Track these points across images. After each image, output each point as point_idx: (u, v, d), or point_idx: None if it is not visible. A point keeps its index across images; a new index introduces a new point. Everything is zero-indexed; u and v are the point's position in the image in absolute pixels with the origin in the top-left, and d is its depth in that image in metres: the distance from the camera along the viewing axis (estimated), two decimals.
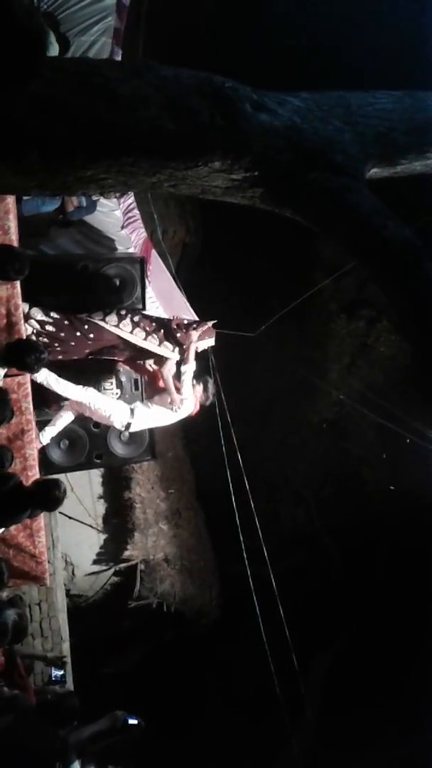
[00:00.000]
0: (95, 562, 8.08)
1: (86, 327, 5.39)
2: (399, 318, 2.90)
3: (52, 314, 5.30)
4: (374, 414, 9.10)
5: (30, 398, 4.91)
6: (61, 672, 5.28)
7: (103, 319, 5.45)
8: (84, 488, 7.85)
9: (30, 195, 4.89)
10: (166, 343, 5.60)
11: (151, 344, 5.58)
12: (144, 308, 6.21)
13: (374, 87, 2.97)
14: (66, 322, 5.34)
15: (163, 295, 6.74)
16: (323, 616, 10.48)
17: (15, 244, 4.69)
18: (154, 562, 8.40)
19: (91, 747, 4.38)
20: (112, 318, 5.49)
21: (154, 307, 6.74)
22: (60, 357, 5.40)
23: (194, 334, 5.63)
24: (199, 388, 5.82)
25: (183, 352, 5.58)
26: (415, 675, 9.70)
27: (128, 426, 5.67)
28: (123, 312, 5.61)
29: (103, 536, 8.14)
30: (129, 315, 5.59)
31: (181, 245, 10.40)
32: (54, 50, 5.09)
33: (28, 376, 4.80)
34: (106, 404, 5.59)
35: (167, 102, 2.28)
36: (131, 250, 6.61)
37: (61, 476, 6.32)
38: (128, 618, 8.48)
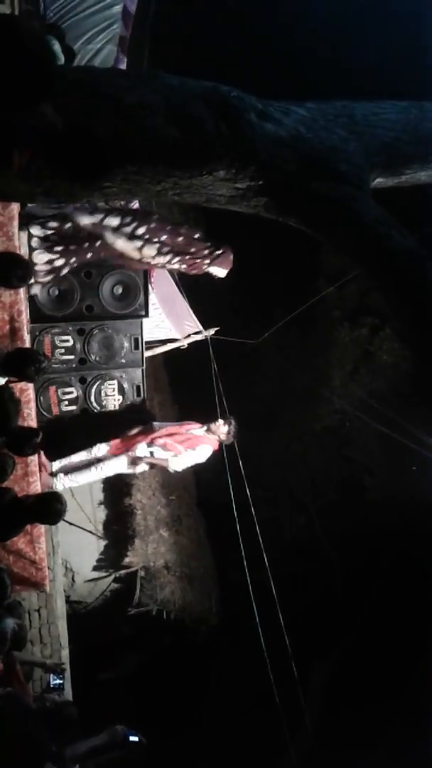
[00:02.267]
0: (95, 568, 8.05)
1: (89, 242, 5.27)
2: (402, 326, 2.90)
3: (51, 224, 5.19)
4: (376, 422, 9.09)
5: (32, 404, 4.91)
6: (60, 680, 5.25)
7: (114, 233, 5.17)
8: (85, 495, 7.83)
9: (35, 202, 4.90)
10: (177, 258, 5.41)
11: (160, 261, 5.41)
12: (147, 315, 6.21)
13: (380, 97, 2.97)
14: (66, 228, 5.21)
15: (166, 302, 6.75)
16: (323, 624, 10.45)
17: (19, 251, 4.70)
18: (154, 569, 8.37)
19: (89, 761, 4.35)
20: (121, 240, 5.21)
21: (157, 314, 6.75)
22: (73, 259, 5.32)
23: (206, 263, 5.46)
24: (224, 428, 5.91)
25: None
26: (415, 683, 9.66)
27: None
28: (136, 231, 5.24)
29: (103, 543, 8.12)
30: (143, 238, 5.24)
31: None
32: (59, 61, 5.10)
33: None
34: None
35: (173, 111, 2.29)
36: None
37: None
38: (128, 625, 8.44)
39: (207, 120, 2.33)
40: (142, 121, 2.23)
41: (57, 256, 5.23)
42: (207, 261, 5.43)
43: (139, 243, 5.20)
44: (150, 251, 5.24)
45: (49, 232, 5.19)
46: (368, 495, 11.39)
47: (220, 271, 5.56)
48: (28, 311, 5.02)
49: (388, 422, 8.71)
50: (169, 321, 7.04)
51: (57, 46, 5.16)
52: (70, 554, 7.73)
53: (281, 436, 11.82)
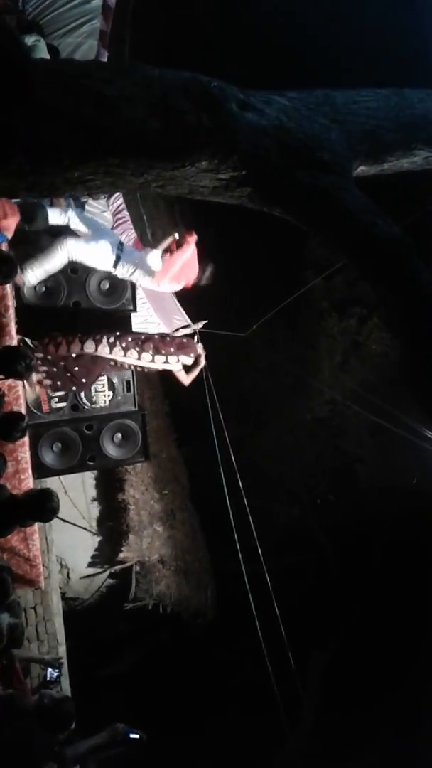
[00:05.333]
0: (90, 564, 8.06)
1: (76, 367, 5.52)
2: (389, 315, 2.91)
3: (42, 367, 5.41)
4: (367, 411, 9.12)
5: (21, 401, 4.89)
6: (57, 672, 5.26)
7: (96, 350, 5.56)
8: (77, 491, 7.83)
9: (18, 197, 4.87)
10: (158, 356, 5.82)
11: (145, 361, 5.78)
12: (135, 310, 6.21)
13: (361, 85, 2.98)
14: (55, 370, 5.45)
15: (154, 296, 6.74)
16: (320, 614, 10.49)
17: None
18: (149, 564, 8.38)
19: (90, 759, 4.37)
20: (104, 348, 5.57)
21: (145, 309, 6.73)
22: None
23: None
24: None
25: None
26: (412, 673, 9.73)
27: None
28: (112, 339, 5.65)
29: (97, 539, 8.11)
30: (118, 340, 5.66)
31: None
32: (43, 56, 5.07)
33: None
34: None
35: (154, 102, 2.28)
36: None
37: (54, 479, 6.33)
38: (124, 620, 8.46)
39: (188, 111, 2.32)
40: (123, 114, 2.22)
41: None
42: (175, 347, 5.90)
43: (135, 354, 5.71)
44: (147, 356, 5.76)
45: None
46: (361, 484, 11.44)
47: (186, 359, 5.98)
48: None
49: (378, 411, 8.74)
50: (157, 315, 7.03)
51: (42, 43, 5.13)
52: (65, 551, 7.72)
53: (272, 428, 11.83)
